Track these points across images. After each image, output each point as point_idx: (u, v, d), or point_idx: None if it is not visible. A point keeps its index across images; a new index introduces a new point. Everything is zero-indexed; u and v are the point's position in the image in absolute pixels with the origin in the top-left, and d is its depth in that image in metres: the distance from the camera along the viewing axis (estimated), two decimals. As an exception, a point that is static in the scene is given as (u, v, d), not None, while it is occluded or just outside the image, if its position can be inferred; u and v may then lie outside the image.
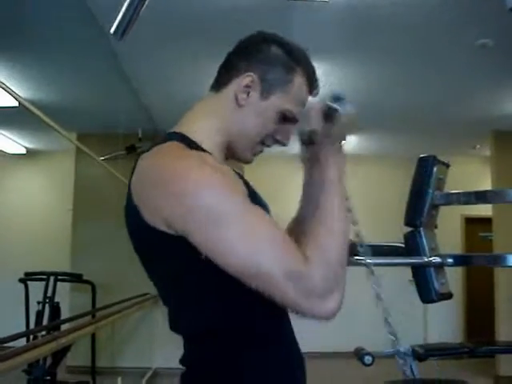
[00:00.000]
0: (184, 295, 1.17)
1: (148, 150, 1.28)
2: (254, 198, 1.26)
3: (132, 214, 1.22)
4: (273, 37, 1.37)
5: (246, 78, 1.32)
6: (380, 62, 5.35)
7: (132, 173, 1.26)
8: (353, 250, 1.95)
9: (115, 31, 1.38)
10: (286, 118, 1.35)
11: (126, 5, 1.34)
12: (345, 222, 1.23)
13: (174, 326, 1.28)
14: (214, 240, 1.11)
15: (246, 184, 1.29)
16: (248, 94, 1.32)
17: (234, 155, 1.39)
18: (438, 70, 5.52)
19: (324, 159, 1.31)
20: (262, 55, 1.34)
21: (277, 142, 1.38)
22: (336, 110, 1.29)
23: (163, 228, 1.16)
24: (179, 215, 1.13)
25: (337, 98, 1.30)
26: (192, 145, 1.25)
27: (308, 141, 1.33)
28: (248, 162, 1.41)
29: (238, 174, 1.30)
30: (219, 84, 1.36)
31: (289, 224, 1.49)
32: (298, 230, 1.29)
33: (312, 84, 1.38)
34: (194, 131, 1.31)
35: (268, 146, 1.39)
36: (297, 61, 1.35)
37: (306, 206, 1.41)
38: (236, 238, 1.11)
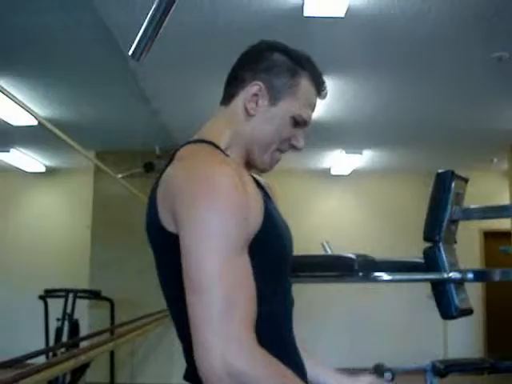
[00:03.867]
0: (181, 302, 1.16)
1: (182, 146, 1.30)
2: (269, 209, 1.27)
3: (150, 209, 1.24)
4: (275, 44, 1.39)
5: (253, 87, 1.33)
6: (395, 76, 5.36)
7: (165, 167, 1.27)
8: (370, 265, 1.94)
9: (133, 53, 1.40)
10: (296, 123, 1.36)
11: (143, 27, 1.36)
12: None
13: (179, 335, 1.28)
14: (196, 249, 1.11)
15: (263, 190, 1.31)
16: (257, 102, 1.33)
17: (251, 165, 1.40)
18: (454, 84, 5.51)
19: None
20: (266, 63, 1.35)
21: (292, 147, 1.39)
22: None
23: (167, 224, 1.19)
24: (183, 215, 1.14)
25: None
26: (222, 152, 1.29)
27: None
28: (266, 170, 1.41)
29: (258, 184, 1.31)
30: (227, 98, 1.38)
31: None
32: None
33: (319, 86, 1.39)
34: (217, 141, 1.32)
35: (283, 151, 1.40)
36: (301, 65, 1.36)
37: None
38: (213, 264, 1.10)
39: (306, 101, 1.36)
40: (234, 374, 1.04)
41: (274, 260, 1.28)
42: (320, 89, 1.39)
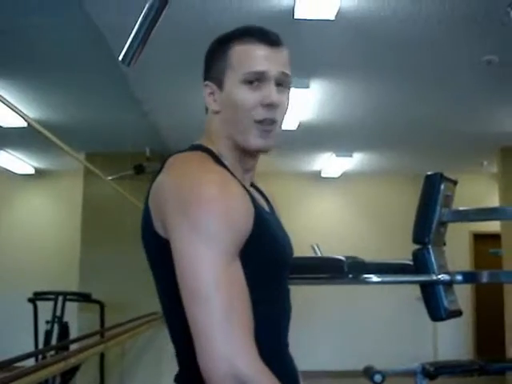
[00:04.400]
0: (176, 306, 1.16)
1: (173, 154, 1.30)
2: (261, 213, 1.27)
3: (145, 218, 1.26)
4: (212, 42, 1.40)
5: (206, 88, 1.36)
6: (385, 79, 5.37)
7: (156, 175, 1.28)
8: (360, 267, 1.94)
9: (123, 58, 1.40)
10: (249, 81, 1.29)
11: (133, 32, 1.36)
12: None
13: (172, 339, 1.29)
14: (190, 258, 1.12)
15: (254, 199, 1.29)
16: (214, 99, 1.35)
17: (248, 151, 1.36)
18: (444, 87, 5.53)
19: None
20: (206, 61, 1.39)
21: (267, 106, 1.30)
22: None
23: (161, 231, 1.20)
24: (174, 224, 1.15)
25: None
26: (214, 158, 1.29)
27: None
28: (262, 148, 1.34)
29: (249, 193, 1.30)
30: (205, 108, 1.41)
31: None
32: None
33: (254, 37, 1.32)
34: (213, 146, 1.35)
35: (267, 119, 1.31)
36: (227, 40, 1.34)
37: None
38: (208, 261, 1.11)
39: (245, 59, 1.30)
40: (241, 379, 1.06)
41: (267, 266, 1.27)
42: (261, 38, 1.31)
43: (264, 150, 1.35)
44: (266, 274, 1.26)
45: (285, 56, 1.35)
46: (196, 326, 1.10)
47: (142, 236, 1.29)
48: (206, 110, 1.40)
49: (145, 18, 1.32)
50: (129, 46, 1.37)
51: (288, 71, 1.34)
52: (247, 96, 1.29)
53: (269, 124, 1.31)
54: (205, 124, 1.41)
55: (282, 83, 1.33)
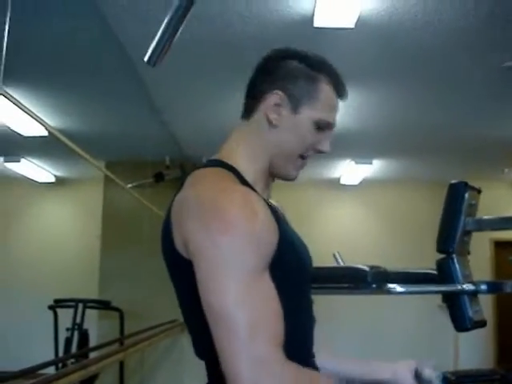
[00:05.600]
0: (202, 320, 1.16)
1: (194, 170, 1.30)
2: (283, 227, 1.26)
3: (166, 235, 1.24)
4: (288, 51, 1.38)
5: (274, 97, 1.32)
6: (405, 85, 5.35)
7: (177, 192, 1.27)
8: (383, 277, 1.93)
9: (149, 59, 1.40)
10: (319, 127, 1.35)
11: (160, 32, 1.36)
12: None
13: (197, 351, 1.28)
14: (213, 277, 1.11)
15: (276, 214, 1.28)
16: (279, 112, 1.32)
17: (277, 175, 1.39)
18: (464, 93, 5.50)
19: None
20: (284, 71, 1.34)
21: (318, 151, 1.39)
22: None
23: (182, 250, 1.19)
24: (198, 242, 1.14)
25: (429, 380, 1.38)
26: (236, 175, 1.28)
27: None
28: (293, 179, 1.40)
29: (271, 207, 1.29)
30: (248, 111, 1.37)
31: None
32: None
33: (338, 88, 1.38)
34: (236, 161, 1.32)
35: (308, 157, 1.39)
36: (318, 69, 1.35)
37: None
38: (232, 287, 1.09)
39: (326, 104, 1.35)
40: None
41: (293, 280, 1.26)
42: (340, 90, 1.38)
43: (291, 180, 1.41)
44: (292, 288, 1.25)
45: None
46: (220, 347, 1.10)
47: (163, 251, 1.28)
48: (246, 114, 1.37)
49: (171, 18, 1.32)
50: (154, 46, 1.37)
51: None
52: (311, 136, 1.35)
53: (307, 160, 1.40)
54: (238, 127, 1.39)
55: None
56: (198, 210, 1.17)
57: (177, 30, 1.38)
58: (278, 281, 1.18)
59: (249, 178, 1.31)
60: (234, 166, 1.31)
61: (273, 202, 1.45)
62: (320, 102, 1.33)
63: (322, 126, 1.35)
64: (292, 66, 1.35)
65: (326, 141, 1.38)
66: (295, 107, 1.32)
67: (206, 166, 1.32)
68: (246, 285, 1.11)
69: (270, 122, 1.33)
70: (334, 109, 1.37)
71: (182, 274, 1.21)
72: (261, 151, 1.34)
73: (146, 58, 1.40)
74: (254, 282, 1.12)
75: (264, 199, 1.28)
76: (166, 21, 1.34)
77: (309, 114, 1.33)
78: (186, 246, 1.17)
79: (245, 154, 1.34)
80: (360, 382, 1.51)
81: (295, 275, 1.28)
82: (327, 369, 1.47)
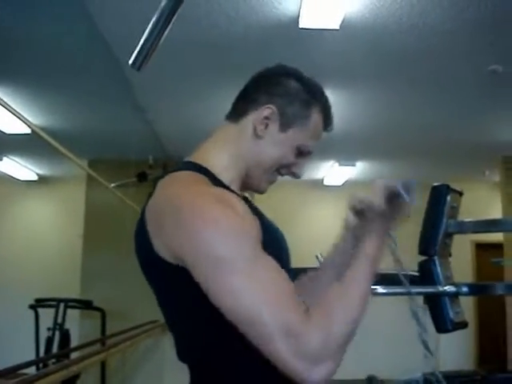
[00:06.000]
0: (186, 324, 1.16)
1: (163, 177, 1.28)
2: (263, 222, 1.26)
3: (143, 241, 1.22)
4: (292, 71, 1.39)
5: (266, 110, 1.33)
6: (389, 88, 5.37)
7: (148, 198, 1.26)
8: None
9: (133, 62, 1.39)
10: (300, 152, 1.37)
11: (145, 36, 1.35)
12: (364, 302, 1.19)
13: (180, 355, 1.28)
14: (216, 280, 1.10)
15: (256, 211, 1.29)
16: (266, 125, 1.34)
17: (248, 186, 1.40)
18: (448, 96, 5.54)
19: (369, 234, 1.29)
20: (282, 89, 1.36)
21: (292, 174, 1.41)
22: (403, 198, 1.29)
23: (168, 257, 1.17)
24: (186, 249, 1.13)
25: (407, 187, 1.31)
26: (210, 177, 1.27)
27: (361, 212, 1.35)
28: (263, 192, 1.42)
29: (250, 203, 1.30)
30: (237, 114, 1.37)
31: (302, 277, 1.49)
32: (311, 286, 1.38)
33: (328, 120, 1.41)
34: (212, 162, 1.32)
35: (282, 175, 1.41)
36: (314, 96, 1.37)
37: (329, 268, 1.46)
38: (239, 283, 1.09)
39: (313, 132, 1.38)
40: (331, 354, 1.10)
41: None
42: (328, 122, 1.41)
43: (261, 193, 1.43)
44: None
45: None
46: (258, 343, 1.09)
47: (139, 254, 1.27)
48: (234, 117, 1.38)
49: (158, 18, 1.31)
50: (139, 49, 1.36)
51: None
52: (290, 157, 1.37)
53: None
54: (223, 128, 1.39)
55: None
56: (177, 215, 1.15)
57: (163, 32, 1.37)
58: None
59: (224, 179, 1.31)
60: (208, 167, 1.30)
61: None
62: (309, 128, 1.36)
63: (303, 152, 1.38)
64: (292, 86, 1.36)
65: (302, 166, 1.41)
66: (284, 126, 1.34)
67: (177, 169, 1.30)
68: (251, 271, 1.10)
69: (255, 132, 1.34)
70: (317, 138, 1.40)
71: (166, 278, 1.20)
72: (240, 158, 1.35)
73: (130, 62, 1.39)
74: (257, 265, 1.11)
75: (240, 196, 1.29)
76: (152, 21, 1.33)
77: (295, 136, 1.35)
78: (172, 251, 1.16)
79: (223, 157, 1.34)
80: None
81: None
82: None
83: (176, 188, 1.22)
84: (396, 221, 1.35)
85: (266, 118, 1.33)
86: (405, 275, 1.47)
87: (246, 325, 1.09)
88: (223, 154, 1.35)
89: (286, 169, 1.39)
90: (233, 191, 1.29)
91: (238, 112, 1.38)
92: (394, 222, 1.34)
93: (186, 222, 1.14)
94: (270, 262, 1.14)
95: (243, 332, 1.09)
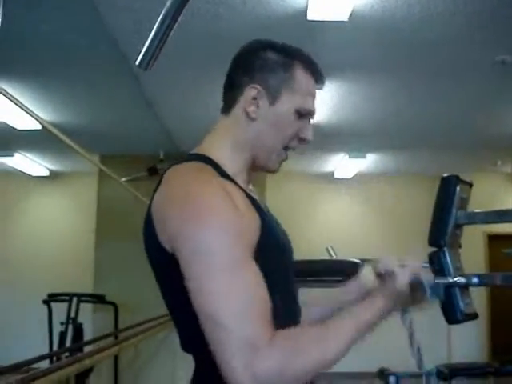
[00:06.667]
0: (186, 315, 1.16)
1: (169, 168, 1.29)
2: (265, 219, 1.27)
3: (149, 231, 1.24)
4: (265, 42, 1.39)
5: (251, 90, 1.32)
6: (399, 79, 5.36)
7: (155, 190, 1.27)
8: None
9: (140, 62, 1.40)
10: (301, 115, 1.34)
11: (151, 36, 1.36)
12: (339, 355, 1.17)
13: (183, 345, 1.29)
14: (197, 271, 1.11)
15: (258, 206, 1.29)
16: (257, 105, 1.32)
17: (259, 167, 1.39)
18: (459, 87, 5.51)
19: (374, 298, 1.30)
20: (259, 63, 1.34)
21: (301, 141, 1.37)
22: (423, 287, 1.32)
23: (168, 246, 1.19)
24: (179, 237, 1.15)
25: (429, 282, 1.33)
26: (215, 167, 1.27)
27: (380, 275, 1.35)
28: (274, 171, 1.39)
29: (252, 198, 1.30)
30: (228, 106, 1.37)
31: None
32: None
33: (315, 74, 1.37)
34: (215, 155, 1.32)
35: (293, 148, 1.38)
36: (292, 56, 1.35)
37: (321, 311, 1.45)
38: (218, 280, 1.10)
39: (304, 91, 1.34)
40: (282, 382, 1.06)
41: (278, 272, 1.27)
42: (317, 76, 1.37)
43: (274, 173, 1.40)
44: (274, 280, 1.24)
45: None
46: (211, 340, 1.10)
47: (146, 247, 1.29)
48: (225, 109, 1.37)
49: (161, 22, 1.32)
50: (146, 50, 1.37)
51: None
52: (292, 125, 1.34)
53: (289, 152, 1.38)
54: (219, 122, 1.39)
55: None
56: (178, 205, 1.17)
57: (170, 32, 1.37)
58: (264, 273, 1.18)
59: (229, 170, 1.31)
60: (214, 159, 1.30)
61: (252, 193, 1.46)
62: (298, 89, 1.33)
63: (303, 114, 1.34)
64: (267, 57, 1.34)
65: (308, 129, 1.37)
66: (273, 99, 1.32)
67: (183, 160, 1.31)
68: (230, 275, 1.11)
69: (248, 116, 1.32)
70: (313, 95, 1.37)
71: (167, 269, 1.21)
72: (242, 145, 1.34)
73: (137, 62, 1.40)
74: (238, 271, 1.12)
75: (244, 190, 1.29)
76: (158, 20, 1.33)
77: (288, 103, 1.32)
78: (171, 241, 1.18)
79: (225, 147, 1.34)
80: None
81: (277, 266, 1.28)
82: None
83: (180, 179, 1.24)
84: (410, 305, 1.39)
85: (254, 98, 1.32)
86: (419, 358, 1.48)
87: (207, 322, 1.10)
88: (224, 147, 1.34)
89: (293, 140, 1.36)
90: (236, 184, 1.28)
91: (228, 103, 1.37)
92: (407, 304, 1.38)
93: (186, 214, 1.15)
94: (255, 271, 1.14)
95: (203, 329, 1.10)
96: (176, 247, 1.16)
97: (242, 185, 1.31)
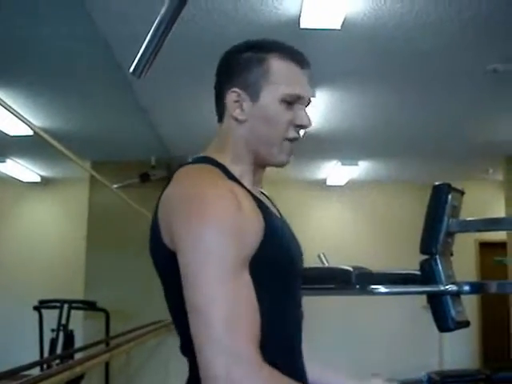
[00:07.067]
0: (186, 316, 1.16)
1: (179, 168, 1.31)
2: (273, 224, 1.26)
3: (154, 230, 1.26)
4: (237, 45, 1.39)
5: (231, 95, 1.33)
6: (391, 87, 5.37)
7: (163, 190, 1.28)
8: (367, 278, 1.94)
9: (134, 70, 1.40)
10: (289, 103, 1.32)
11: (145, 44, 1.36)
12: None
13: (182, 348, 1.29)
14: (196, 269, 1.12)
15: (266, 209, 1.29)
16: (241, 107, 1.33)
17: (268, 164, 1.38)
18: (450, 95, 5.54)
19: None
20: (235, 66, 1.35)
21: (300, 127, 1.36)
22: None
23: (170, 245, 1.20)
24: (180, 234, 1.16)
25: None
26: (222, 169, 1.29)
27: None
28: (284, 163, 1.38)
29: (259, 201, 1.30)
30: (219, 114, 1.39)
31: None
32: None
33: (295, 58, 1.35)
34: (220, 156, 1.33)
35: (296, 138, 1.36)
36: (266, 49, 1.34)
37: None
38: (217, 282, 1.10)
39: (285, 78, 1.33)
40: None
41: (279, 275, 1.26)
42: (298, 59, 1.35)
43: (284, 165, 1.39)
44: (275, 283, 1.25)
45: (311, 78, 1.39)
46: (196, 338, 1.10)
47: (150, 248, 1.30)
48: (220, 117, 1.39)
49: (157, 27, 1.32)
50: (139, 58, 1.37)
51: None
52: (283, 114, 1.32)
53: (295, 142, 1.36)
54: (217, 131, 1.40)
55: (308, 105, 1.38)
56: (181, 204, 1.19)
57: (163, 40, 1.38)
58: (261, 275, 1.19)
59: (235, 173, 1.32)
60: (221, 162, 1.32)
61: (264, 191, 1.47)
62: (277, 79, 1.32)
63: (291, 101, 1.32)
64: (242, 58, 1.35)
65: (302, 114, 1.35)
66: (255, 96, 1.32)
67: (192, 162, 1.33)
68: (224, 279, 1.11)
69: (237, 120, 1.33)
70: (297, 81, 1.34)
71: (169, 268, 1.21)
72: (241, 147, 1.35)
73: (131, 70, 1.40)
74: (232, 277, 1.12)
75: (251, 193, 1.29)
76: (152, 28, 1.33)
77: (270, 95, 1.31)
78: (172, 240, 1.19)
79: (227, 152, 1.35)
80: None
81: (280, 270, 1.27)
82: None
83: (187, 179, 1.25)
84: None
85: (236, 101, 1.33)
86: None
87: (196, 320, 1.10)
88: (226, 151, 1.35)
89: (290, 129, 1.35)
90: (243, 186, 1.29)
91: (219, 112, 1.39)
92: None
93: (188, 214, 1.16)
94: (248, 280, 1.15)
95: (190, 325, 1.11)
96: (176, 246, 1.17)
97: (248, 187, 1.31)
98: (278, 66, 1.32)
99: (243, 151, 1.35)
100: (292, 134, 1.35)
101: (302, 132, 1.37)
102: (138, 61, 1.37)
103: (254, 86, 1.32)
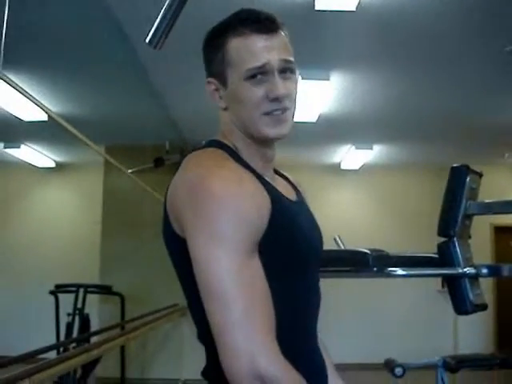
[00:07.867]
0: (201, 304, 1.16)
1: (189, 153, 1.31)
2: (281, 205, 1.26)
3: (165, 217, 1.27)
4: (206, 35, 1.39)
5: (208, 86, 1.36)
6: (406, 70, 5.33)
7: (175, 173, 1.29)
8: (385, 260, 1.93)
9: (150, 40, 1.39)
10: (253, 76, 1.27)
11: (161, 13, 1.35)
12: None
13: (198, 334, 1.29)
14: (206, 252, 1.13)
15: (276, 192, 1.28)
16: (219, 95, 1.35)
17: (262, 140, 1.34)
18: (466, 78, 5.48)
19: None
20: (205, 58, 1.38)
21: (275, 100, 1.28)
22: None
23: (179, 231, 1.21)
24: (189, 220, 1.16)
25: None
26: (231, 153, 1.30)
27: None
28: (271, 137, 1.32)
29: (269, 184, 1.29)
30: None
31: None
32: None
33: (247, 29, 1.30)
34: (227, 141, 1.35)
35: (275, 110, 1.29)
36: (222, 33, 1.32)
37: None
38: (227, 263, 1.11)
39: (244, 54, 1.28)
40: (263, 378, 1.06)
41: (288, 258, 1.25)
42: (256, 27, 1.29)
43: (277, 138, 1.34)
44: (287, 266, 1.25)
45: (283, 40, 1.33)
46: (217, 326, 1.11)
47: (163, 234, 1.30)
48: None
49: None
50: (156, 27, 1.36)
51: (289, 56, 1.31)
52: (252, 92, 1.28)
53: (280, 113, 1.30)
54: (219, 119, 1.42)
55: (286, 70, 1.30)
56: (188, 189, 1.19)
57: (180, 9, 1.37)
58: (274, 259, 1.19)
59: (244, 155, 1.32)
60: (230, 144, 1.33)
61: (286, 174, 1.49)
62: (236, 59, 1.29)
63: (255, 74, 1.27)
64: (206, 48, 1.37)
65: (273, 85, 1.28)
66: (224, 81, 1.32)
67: (201, 147, 1.34)
68: (236, 265, 1.12)
69: (222, 108, 1.36)
70: (254, 52, 1.27)
71: (181, 255, 1.21)
72: (235, 132, 1.35)
73: (147, 40, 1.39)
74: (245, 260, 1.13)
75: (259, 175, 1.28)
76: (167, 1, 1.32)
77: (235, 77, 1.29)
78: (180, 227, 1.20)
79: (229, 138, 1.35)
80: None
81: (293, 254, 1.26)
82: None
83: (195, 164, 1.26)
84: None
85: (215, 89, 1.35)
86: None
87: (214, 301, 1.11)
88: (227, 138, 1.36)
89: (264, 104, 1.29)
90: (250, 168, 1.29)
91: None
92: None
93: (195, 198, 1.16)
94: (258, 264, 1.16)
95: (206, 306, 1.12)
96: (185, 232, 1.18)
97: (258, 168, 1.31)
98: (234, 46, 1.29)
99: (238, 134, 1.35)
100: (266, 108, 1.28)
101: (287, 102, 1.30)
102: (155, 31, 1.36)
103: (221, 74, 1.32)
